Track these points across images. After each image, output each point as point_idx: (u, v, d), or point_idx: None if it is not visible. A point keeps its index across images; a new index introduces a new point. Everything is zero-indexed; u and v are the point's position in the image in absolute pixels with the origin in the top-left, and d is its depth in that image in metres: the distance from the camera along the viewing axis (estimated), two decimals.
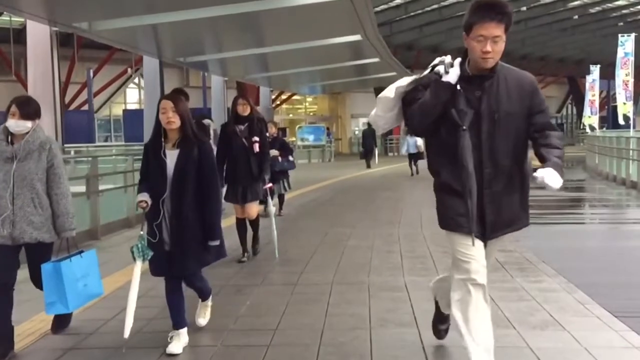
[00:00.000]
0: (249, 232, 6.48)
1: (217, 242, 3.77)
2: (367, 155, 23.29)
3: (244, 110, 6.20)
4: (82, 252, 3.89)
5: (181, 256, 3.70)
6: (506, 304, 4.52)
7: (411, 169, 18.01)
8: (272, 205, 6.79)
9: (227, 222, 7.60)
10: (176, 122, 3.67)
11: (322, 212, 10.60)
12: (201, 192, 3.70)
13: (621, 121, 22.38)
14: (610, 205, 12.62)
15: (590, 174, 18.71)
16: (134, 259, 3.60)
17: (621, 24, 33.90)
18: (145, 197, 3.68)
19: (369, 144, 23.38)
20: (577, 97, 44.88)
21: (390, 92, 3.07)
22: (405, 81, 3.06)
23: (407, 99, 3.03)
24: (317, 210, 10.99)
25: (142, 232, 3.64)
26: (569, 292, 4.88)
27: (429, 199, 3.13)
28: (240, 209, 6.29)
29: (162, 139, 3.73)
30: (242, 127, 6.20)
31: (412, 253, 6.63)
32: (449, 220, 3.01)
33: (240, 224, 6.36)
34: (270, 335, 3.96)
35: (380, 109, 3.12)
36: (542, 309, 4.43)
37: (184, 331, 3.79)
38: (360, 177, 18.92)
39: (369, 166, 22.60)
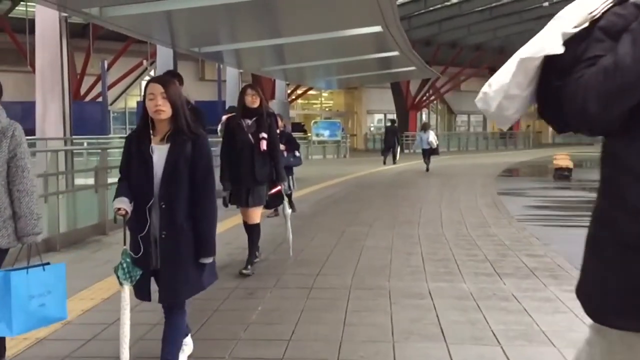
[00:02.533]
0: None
1: (209, 260, 3.09)
2: (387, 152, 22.95)
3: (253, 101, 5.44)
4: (47, 264, 3.18)
5: (172, 278, 3.03)
6: (542, 317, 4.15)
7: (427, 165, 18.16)
8: (287, 204, 6.39)
9: (228, 225, 7.28)
10: (166, 111, 2.99)
11: (338, 210, 10.25)
12: (194, 198, 3.03)
13: None
14: None
15: None
16: (120, 283, 2.94)
17: None
18: (124, 203, 3.00)
19: (390, 141, 23.02)
20: None
21: (551, 44, 1.50)
22: (572, 17, 1.51)
23: (561, 59, 1.50)
24: (333, 207, 10.65)
25: (125, 247, 3.00)
26: None
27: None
28: (245, 211, 5.71)
29: (150, 131, 3.05)
30: (249, 122, 5.45)
31: (434, 256, 6.25)
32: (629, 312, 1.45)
33: (247, 227, 5.86)
34: (284, 346, 3.62)
35: (515, 84, 1.56)
36: (582, 322, 4.03)
37: (188, 340, 3.48)
38: (376, 173, 18.54)
39: (385, 162, 22.31)
